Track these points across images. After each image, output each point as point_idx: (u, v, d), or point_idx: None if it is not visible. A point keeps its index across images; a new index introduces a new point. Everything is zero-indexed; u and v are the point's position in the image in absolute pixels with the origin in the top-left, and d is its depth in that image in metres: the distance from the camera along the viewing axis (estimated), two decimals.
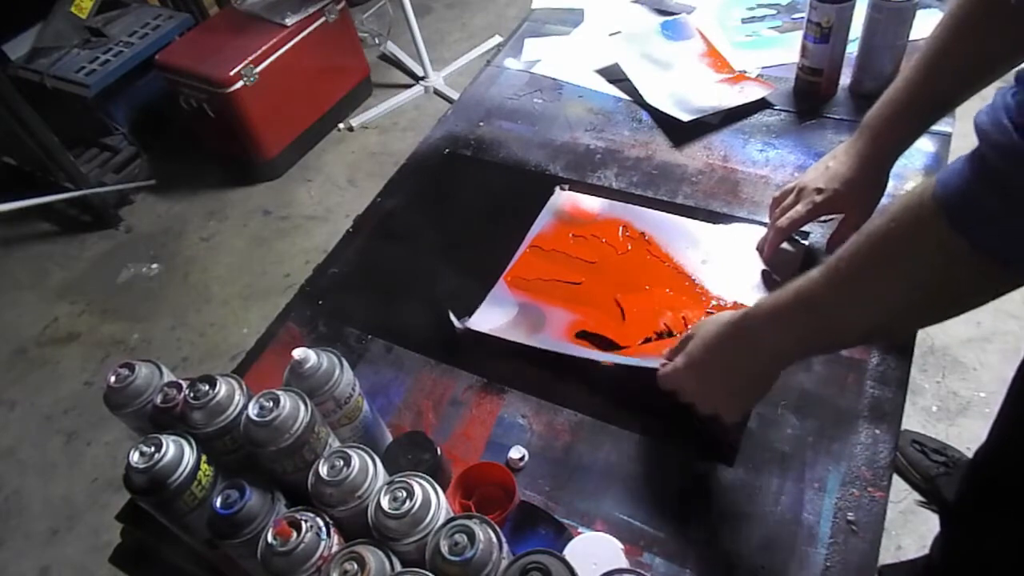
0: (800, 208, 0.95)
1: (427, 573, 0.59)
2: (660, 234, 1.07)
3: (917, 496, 1.57)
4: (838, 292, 0.63)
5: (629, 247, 1.06)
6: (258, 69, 2.46)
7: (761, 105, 1.24)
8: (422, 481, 0.64)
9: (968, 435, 1.63)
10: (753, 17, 1.43)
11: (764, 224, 1.04)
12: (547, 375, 0.94)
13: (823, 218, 1.00)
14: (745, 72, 1.31)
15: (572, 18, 1.54)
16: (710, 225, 1.07)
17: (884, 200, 1.01)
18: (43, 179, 2.57)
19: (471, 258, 1.11)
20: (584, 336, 0.96)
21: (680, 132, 1.23)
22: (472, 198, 1.22)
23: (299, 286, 1.12)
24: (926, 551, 1.48)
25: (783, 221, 0.96)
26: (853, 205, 0.94)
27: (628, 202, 1.13)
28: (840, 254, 0.62)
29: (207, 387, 0.70)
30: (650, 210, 1.11)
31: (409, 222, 1.19)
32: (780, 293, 0.68)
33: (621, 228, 1.09)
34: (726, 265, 1.02)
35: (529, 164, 1.24)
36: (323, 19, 2.61)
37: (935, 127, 1.14)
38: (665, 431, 0.86)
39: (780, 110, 1.24)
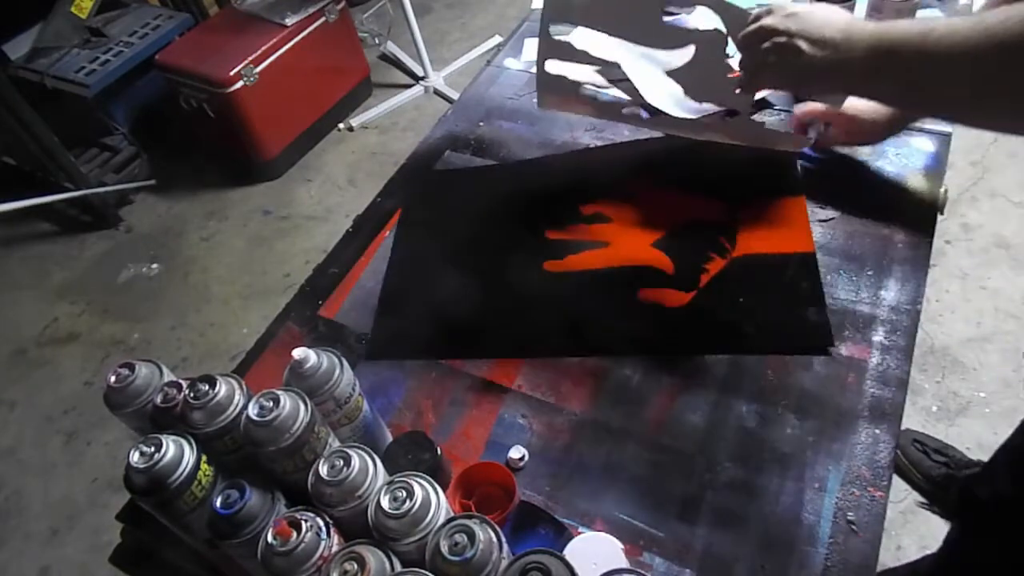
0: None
1: (427, 573, 0.59)
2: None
3: (917, 496, 1.57)
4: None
5: (635, 194, 1.10)
6: (258, 69, 2.46)
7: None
8: (422, 481, 0.64)
9: (968, 435, 1.63)
10: None
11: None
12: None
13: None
14: None
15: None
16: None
17: (884, 200, 1.01)
18: (43, 179, 2.57)
19: (474, 259, 1.11)
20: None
21: None
22: (475, 199, 1.22)
23: (299, 286, 1.12)
24: (926, 551, 1.47)
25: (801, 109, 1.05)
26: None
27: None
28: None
29: (207, 387, 0.70)
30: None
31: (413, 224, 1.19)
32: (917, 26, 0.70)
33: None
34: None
35: None
36: (323, 19, 2.61)
37: (936, 127, 1.15)
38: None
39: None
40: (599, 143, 1.25)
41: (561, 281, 1.03)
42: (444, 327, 1.03)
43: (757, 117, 0.97)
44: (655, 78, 1.31)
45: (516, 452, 0.85)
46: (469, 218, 1.17)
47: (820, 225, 1.02)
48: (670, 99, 1.26)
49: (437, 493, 0.64)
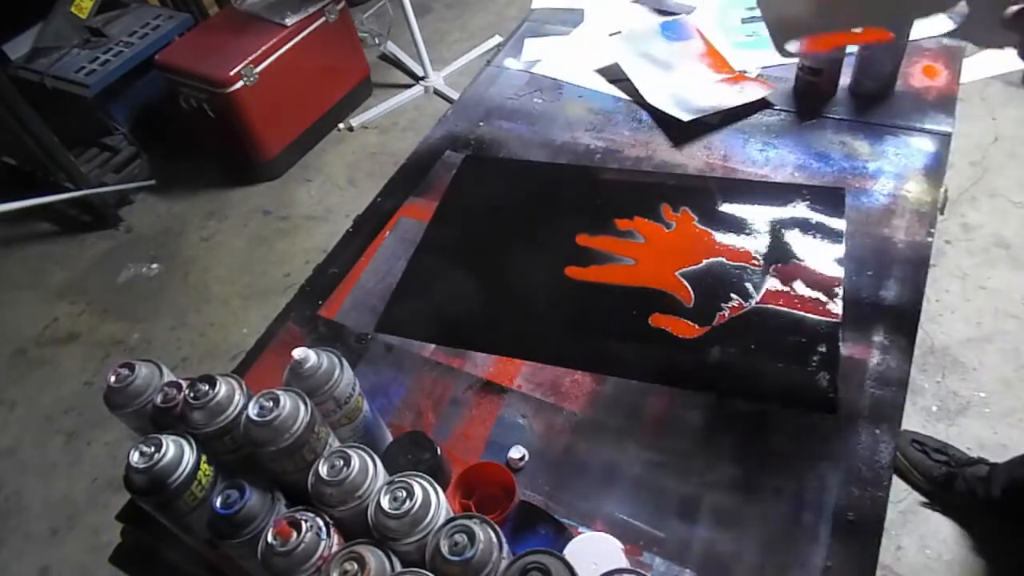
0: None
1: (427, 573, 0.59)
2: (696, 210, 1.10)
3: (917, 496, 1.57)
4: None
5: (674, 224, 1.09)
6: (258, 69, 2.46)
7: (761, 105, 1.24)
8: (422, 481, 0.64)
9: (968, 435, 1.63)
10: (753, 17, 1.43)
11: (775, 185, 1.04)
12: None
13: None
14: (745, 72, 1.31)
15: (572, 18, 1.54)
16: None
17: (883, 200, 1.01)
18: (43, 179, 2.57)
19: (501, 252, 1.13)
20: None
21: (680, 132, 1.23)
22: (516, 190, 1.22)
23: (299, 286, 1.12)
24: (926, 551, 1.48)
25: None
26: None
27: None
28: None
29: (207, 387, 0.70)
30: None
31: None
32: None
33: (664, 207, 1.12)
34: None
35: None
36: (323, 19, 2.61)
37: (935, 127, 1.15)
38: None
39: (780, 110, 1.24)
40: (599, 143, 1.25)
41: (579, 289, 1.03)
42: (456, 315, 1.04)
43: None
44: (655, 78, 1.32)
45: (516, 452, 0.85)
46: (507, 208, 1.19)
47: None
48: (670, 99, 1.26)
49: (437, 493, 0.64)
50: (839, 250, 1.01)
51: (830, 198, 1.07)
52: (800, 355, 0.90)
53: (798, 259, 1.01)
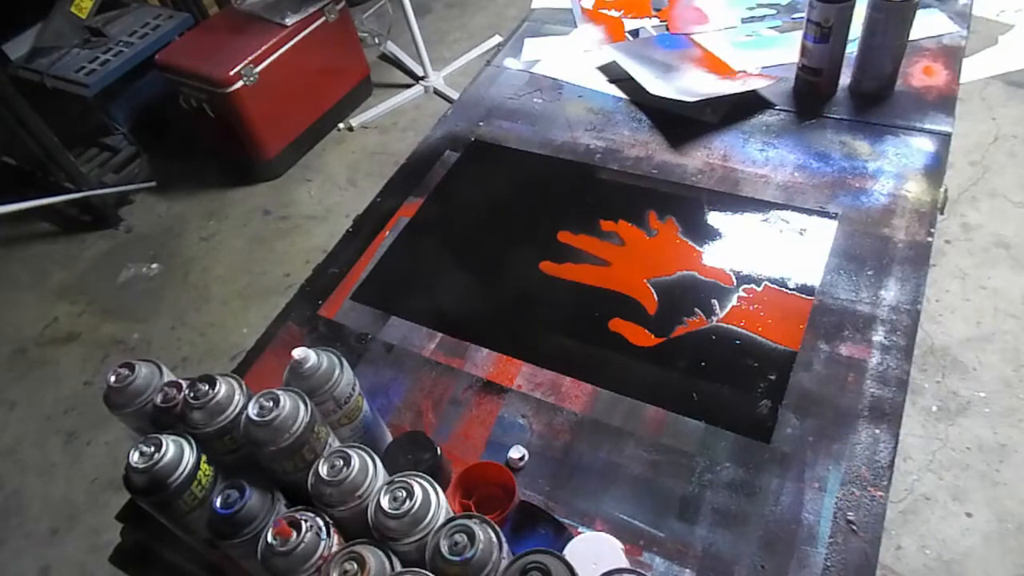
0: None
1: (427, 573, 0.59)
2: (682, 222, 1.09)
3: (917, 496, 1.56)
4: None
5: (656, 232, 1.08)
6: (258, 69, 2.46)
7: (761, 105, 1.24)
8: (422, 481, 0.64)
9: (968, 435, 1.63)
10: (753, 17, 1.43)
11: (767, 204, 1.04)
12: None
13: None
14: (745, 72, 1.30)
15: (572, 18, 1.54)
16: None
17: (884, 200, 1.01)
18: (43, 179, 2.57)
19: (483, 239, 1.14)
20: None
21: (680, 132, 1.23)
22: (471, 181, 1.23)
23: (299, 286, 1.12)
24: (926, 551, 1.48)
25: None
26: None
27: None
28: None
29: (207, 387, 0.70)
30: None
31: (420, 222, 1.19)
32: None
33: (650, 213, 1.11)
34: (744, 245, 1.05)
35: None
36: (323, 19, 2.61)
37: (935, 127, 1.15)
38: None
39: (780, 110, 1.24)
40: (599, 143, 1.25)
41: (549, 284, 1.04)
42: (425, 295, 1.07)
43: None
44: (657, 74, 1.31)
45: (516, 452, 0.85)
46: (500, 196, 1.21)
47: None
48: (672, 89, 1.26)
49: (437, 493, 0.64)
50: (816, 278, 0.98)
51: (821, 225, 1.05)
52: (748, 379, 0.89)
53: (772, 282, 0.99)
